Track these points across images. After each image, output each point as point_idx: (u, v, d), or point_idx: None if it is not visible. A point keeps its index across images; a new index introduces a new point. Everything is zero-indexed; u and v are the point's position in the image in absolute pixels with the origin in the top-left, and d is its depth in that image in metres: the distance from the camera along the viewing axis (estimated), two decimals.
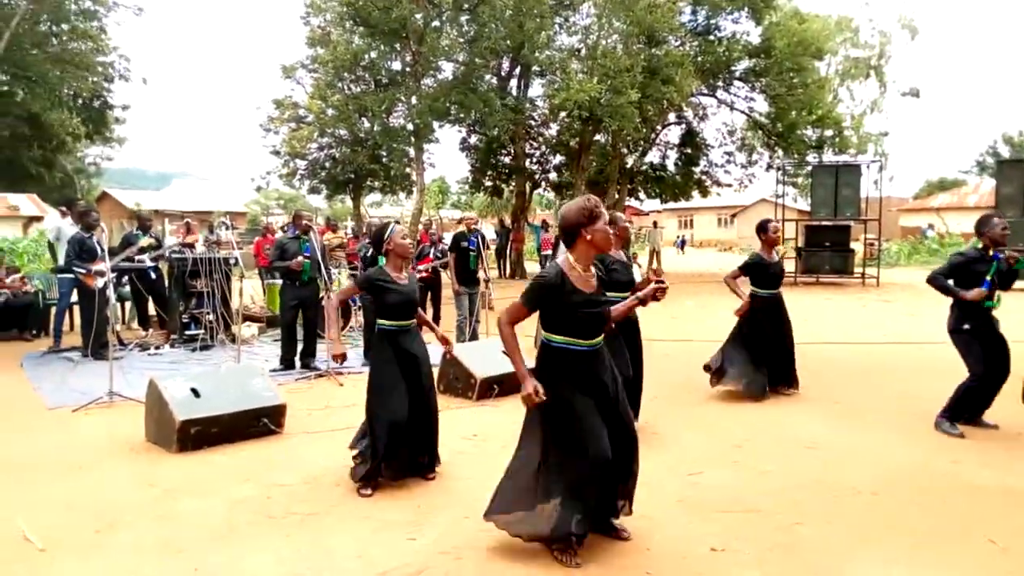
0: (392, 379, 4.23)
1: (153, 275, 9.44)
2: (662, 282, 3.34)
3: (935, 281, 5.28)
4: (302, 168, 23.44)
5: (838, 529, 3.71)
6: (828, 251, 18.89)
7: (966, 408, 5.31)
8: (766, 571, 3.27)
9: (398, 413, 4.18)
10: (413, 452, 4.36)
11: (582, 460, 3.22)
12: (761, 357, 6.33)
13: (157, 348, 8.95)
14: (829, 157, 23.95)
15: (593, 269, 3.38)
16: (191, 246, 10.19)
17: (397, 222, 4.91)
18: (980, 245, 5.21)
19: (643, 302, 3.39)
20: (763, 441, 5.24)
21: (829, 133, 24.56)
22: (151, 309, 10.04)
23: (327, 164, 23.16)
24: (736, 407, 6.21)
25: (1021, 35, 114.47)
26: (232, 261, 9.39)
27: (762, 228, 6.39)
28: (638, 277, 5.27)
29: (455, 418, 5.80)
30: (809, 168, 22.51)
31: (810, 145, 24.37)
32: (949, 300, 5.30)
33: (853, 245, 19.71)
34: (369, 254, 7.83)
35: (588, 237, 3.24)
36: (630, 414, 3.53)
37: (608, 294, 4.82)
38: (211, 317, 9.04)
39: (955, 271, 5.23)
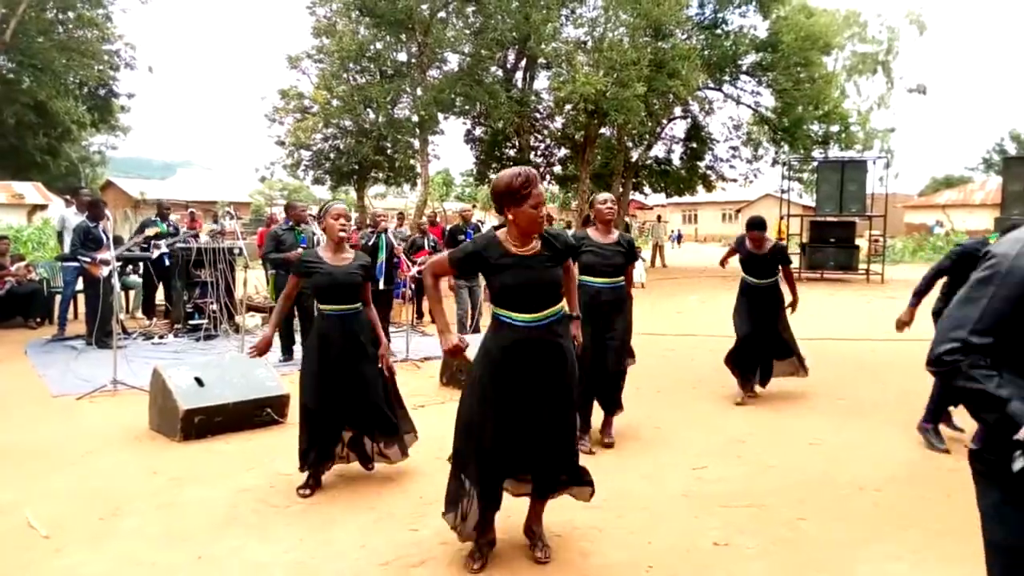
0: (311, 365, 4.09)
1: (168, 262, 9.44)
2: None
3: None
4: (306, 159, 23.39)
5: (842, 525, 3.70)
6: (833, 247, 18.85)
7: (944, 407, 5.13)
8: (769, 566, 3.26)
9: (311, 401, 4.06)
10: (352, 438, 4.23)
11: (470, 445, 3.13)
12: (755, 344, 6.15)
13: (161, 337, 8.96)
14: (835, 153, 23.88)
15: (538, 243, 3.08)
16: (196, 236, 10.20)
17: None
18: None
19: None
20: (767, 436, 5.23)
21: (835, 129, 24.48)
22: (159, 298, 10.05)
23: (331, 155, 23.11)
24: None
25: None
26: (236, 251, 9.40)
27: (748, 227, 6.17)
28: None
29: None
30: (815, 164, 22.46)
31: (816, 140, 24.29)
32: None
33: (858, 241, 19.66)
34: (370, 243, 7.80)
35: (511, 217, 3.01)
36: (570, 404, 3.21)
37: (585, 278, 4.64)
38: (215, 307, 9.04)
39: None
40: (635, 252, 5.09)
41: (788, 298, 6.24)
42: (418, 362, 7.82)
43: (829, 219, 19.21)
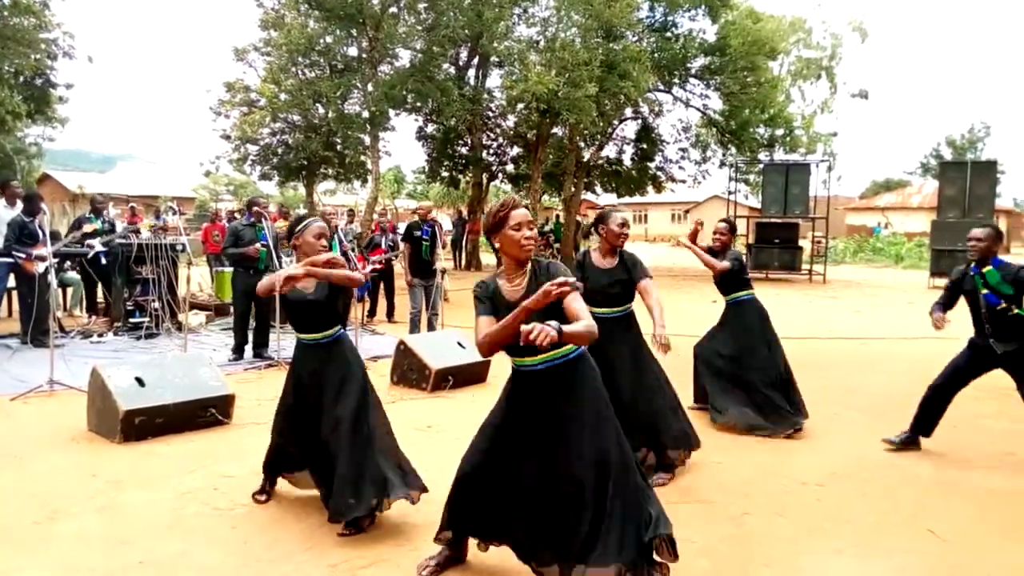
0: (285, 397, 3.81)
1: (104, 260, 9.14)
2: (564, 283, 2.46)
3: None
4: (253, 153, 22.92)
5: (785, 520, 3.80)
6: (777, 248, 19.32)
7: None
8: (716, 561, 3.32)
9: (281, 436, 3.80)
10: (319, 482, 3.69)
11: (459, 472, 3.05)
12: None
13: (100, 336, 8.67)
14: (780, 156, 24.46)
15: (524, 280, 2.87)
16: (136, 231, 9.91)
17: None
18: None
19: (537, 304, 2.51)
20: (712, 434, 5.32)
21: (780, 132, 25.05)
22: (99, 295, 9.73)
23: (279, 150, 22.69)
24: (685, 401, 6.29)
25: (964, 41, 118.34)
26: (179, 247, 9.17)
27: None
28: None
29: (409, 409, 5.77)
30: (761, 166, 22.98)
31: (762, 143, 24.84)
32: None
33: (801, 242, 20.19)
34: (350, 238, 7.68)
35: (498, 246, 2.91)
36: (584, 461, 2.77)
37: (593, 310, 3.66)
38: (157, 305, 8.80)
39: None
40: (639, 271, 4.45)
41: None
42: (369, 361, 7.74)
43: (774, 220, 19.69)
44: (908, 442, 4.97)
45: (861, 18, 29.39)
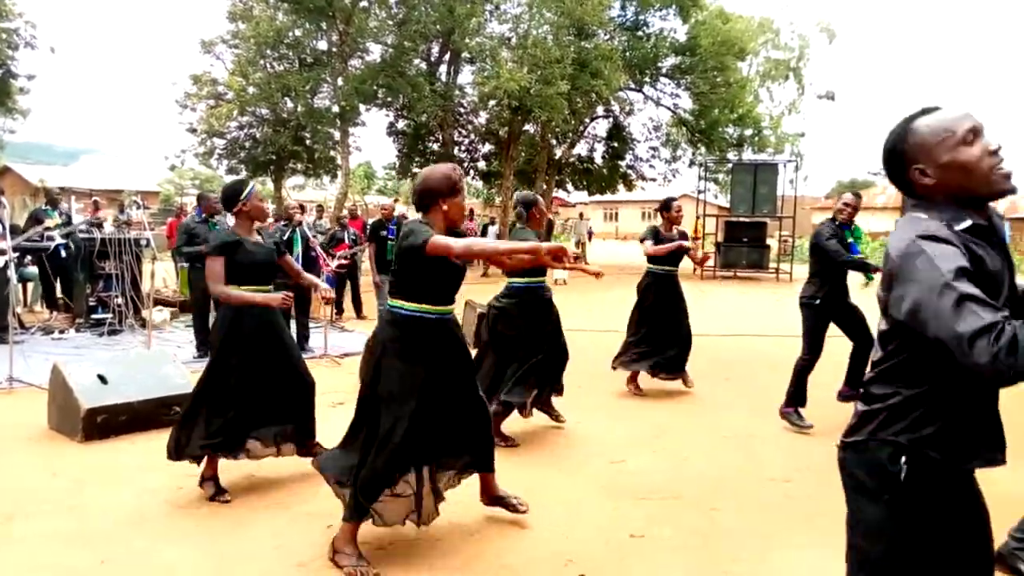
0: (225, 353, 3.92)
1: (64, 254, 8.93)
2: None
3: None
4: (220, 147, 22.56)
5: (755, 515, 3.83)
6: (745, 246, 19.54)
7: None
8: (685, 556, 3.34)
9: (237, 401, 3.85)
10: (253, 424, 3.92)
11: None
12: (658, 337, 6.22)
13: (61, 332, 8.48)
14: (748, 155, 24.75)
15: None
16: (99, 225, 9.69)
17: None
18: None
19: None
20: (683, 430, 5.37)
21: (749, 132, 25.34)
22: (58, 291, 9.51)
23: (247, 144, 22.37)
24: (656, 396, 6.34)
25: (927, 44, 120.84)
26: (143, 242, 9.00)
27: (665, 207, 6.22)
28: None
29: None
30: (729, 165, 23.23)
31: (731, 143, 25.10)
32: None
33: (768, 241, 20.46)
34: (285, 237, 7.58)
35: (445, 208, 3.20)
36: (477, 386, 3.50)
37: (514, 280, 4.93)
38: (120, 300, 8.62)
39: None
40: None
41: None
42: (337, 358, 7.67)
43: (742, 219, 19.91)
44: None
45: (829, 19, 29.67)
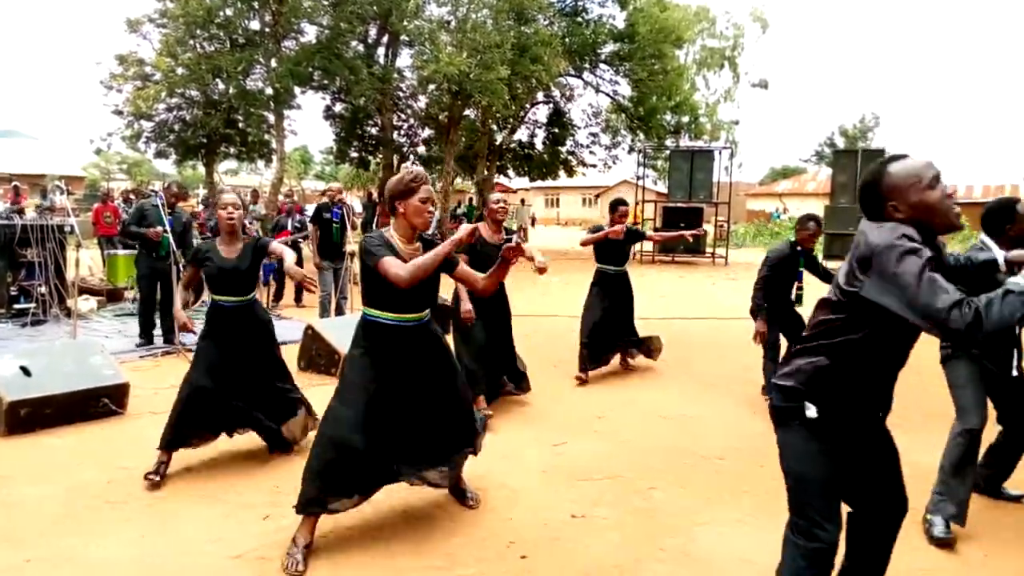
0: (204, 350, 4.13)
1: None
2: (509, 240, 3.13)
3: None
4: (148, 130, 21.69)
5: (690, 492, 3.94)
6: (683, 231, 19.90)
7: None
8: (624, 534, 3.41)
9: (198, 378, 4.04)
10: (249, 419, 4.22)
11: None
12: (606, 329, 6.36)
13: None
14: (685, 142, 25.17)
15: (419, 244, 3.32)
16: (20, 212, 9.25)
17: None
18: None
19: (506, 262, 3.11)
20: (622, 412, 5.46)
21: (686, 119, 25.74)
22: None
23: (176, 127, 21.57)
24: (598, 380, 6.43)
25: (857, 36, 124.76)
26: (67, 229, 8.63)
27: (612, 208, 6.42)
28: None
29: (317, 396, 5.62)
30: (667, 152, 23.60)
31: (669, 130, 25.46)
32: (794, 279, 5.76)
33: (705, 226, 20.89)
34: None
35: (402, 210, 3.23)
36: (460, 391, 3.52)
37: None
38: (43, 289, 8.26)
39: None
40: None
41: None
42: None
43: (680, 205, 20.27)
44: None
45: (762, 9, 30.28)
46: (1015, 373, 3.54)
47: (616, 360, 6.74)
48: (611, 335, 6.41)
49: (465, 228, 3.16)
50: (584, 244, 6.26)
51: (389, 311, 3.21)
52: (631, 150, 26.61)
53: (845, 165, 18.65)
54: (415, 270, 3.02)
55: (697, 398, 5.89)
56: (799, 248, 5.64)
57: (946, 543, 3.30)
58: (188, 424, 3.97)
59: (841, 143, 53.91)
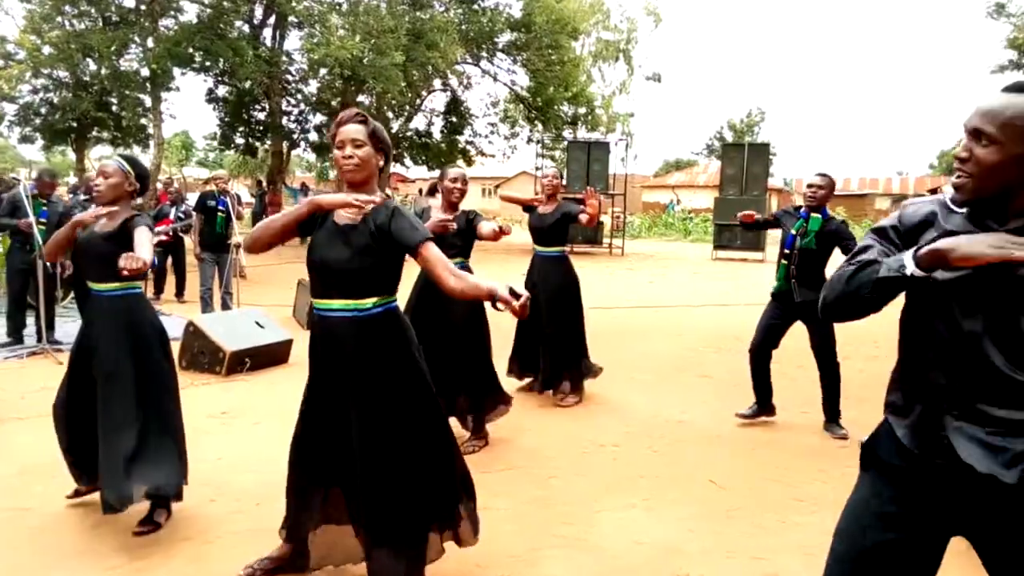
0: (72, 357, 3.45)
1: None
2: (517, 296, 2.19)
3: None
4: (11, 113, 20.01)
5: (586, 480, 3.96)
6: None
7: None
8: (521, 524, 3.39)
9: (59, 398, 3.50)
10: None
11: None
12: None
13: None
14: (583, 134, 25.56)
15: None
16: None
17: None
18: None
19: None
20: (522, 403, 5.42)
21: (583, 111, 26.14)
22: None
23: (43, 110, 20.02)
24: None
25: (745, 32, 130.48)
26: None
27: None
28: None
29: (200, 395, 5.33)
30: (565, 143, 23.87)
31: (566, 121, 25.77)
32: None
33: (602, 218, 21.29)
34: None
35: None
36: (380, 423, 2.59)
37: None
38: None
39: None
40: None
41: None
42: None
43: (577, 197, 20.52)
44: (759, 412, 5.03)
45: (655, 4, 31.13)
46: None
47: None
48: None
49: (309, 199, 2.61)
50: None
51: (315, 295, 2.61)
52: (529, 140, 26.77)
53: (733, 158, 19.38)
54: (256, 229, 2.61)
55: (594, 386, 5.94)
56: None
57: None
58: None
59: (729, 137, 56.24)
